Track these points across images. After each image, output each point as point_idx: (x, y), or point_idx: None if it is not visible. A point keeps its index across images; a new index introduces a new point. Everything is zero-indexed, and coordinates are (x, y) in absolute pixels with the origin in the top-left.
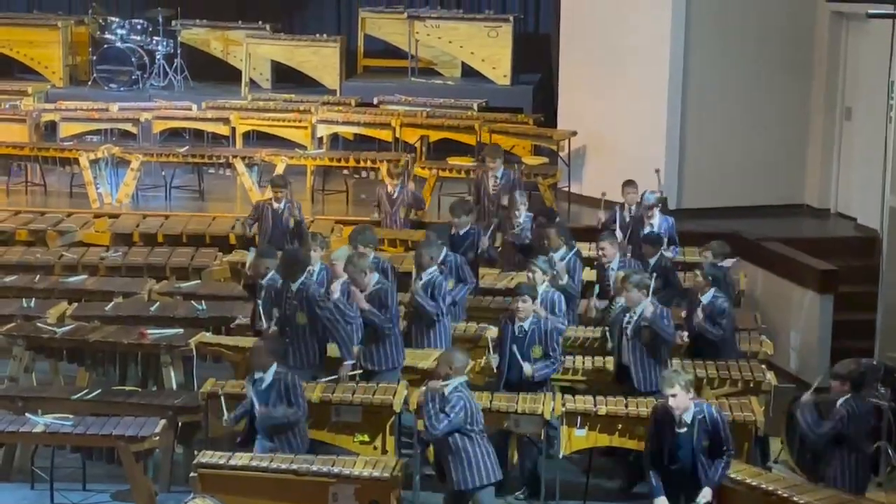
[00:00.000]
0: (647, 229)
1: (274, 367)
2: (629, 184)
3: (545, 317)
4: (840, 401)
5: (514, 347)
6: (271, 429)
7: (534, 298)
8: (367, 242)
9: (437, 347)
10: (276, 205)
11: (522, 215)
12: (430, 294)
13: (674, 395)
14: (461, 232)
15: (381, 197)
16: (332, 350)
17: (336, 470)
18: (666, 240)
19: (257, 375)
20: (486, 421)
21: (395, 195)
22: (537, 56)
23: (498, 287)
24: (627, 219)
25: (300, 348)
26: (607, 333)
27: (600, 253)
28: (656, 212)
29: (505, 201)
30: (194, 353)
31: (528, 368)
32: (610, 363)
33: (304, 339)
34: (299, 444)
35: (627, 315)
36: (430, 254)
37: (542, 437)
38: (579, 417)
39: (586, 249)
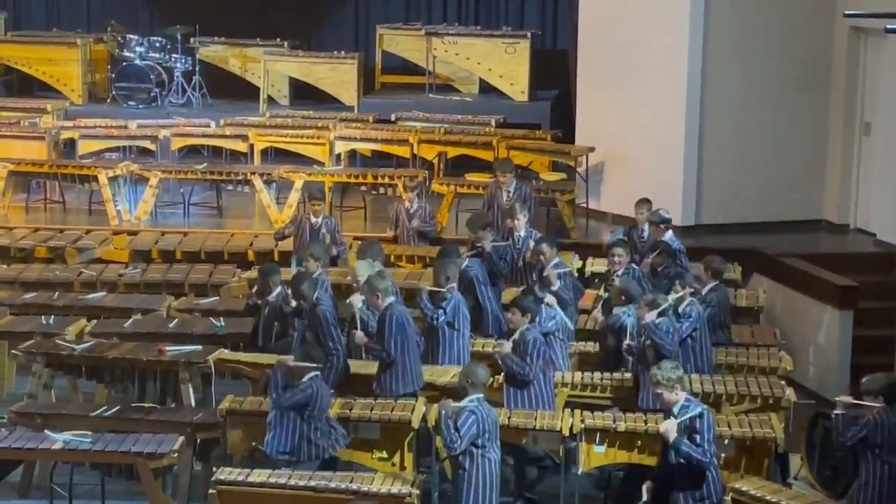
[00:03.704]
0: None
1: (308, 375)
2: (643, 202)
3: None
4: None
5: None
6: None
7: (524, 312)
8: (376, 256)
9: (453, 363)
10: (313, 219)
11: (523, 230)
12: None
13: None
14: (487, 246)
15: (398, 213)
16: (357, 367)
17: (354, 486)
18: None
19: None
20: (504, 436)
21: (413, 210)
22: (555, 72)
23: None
24: (638, 238)
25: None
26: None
27: (616, 259)
28: (664, 229)
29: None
30: (213, 369)
31: (506, 346)
32: (627, 378)
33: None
34: (316, 454)
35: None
36: (447, 273)
37: (561, 454)
38: (598, 434)
39: (603, 265)
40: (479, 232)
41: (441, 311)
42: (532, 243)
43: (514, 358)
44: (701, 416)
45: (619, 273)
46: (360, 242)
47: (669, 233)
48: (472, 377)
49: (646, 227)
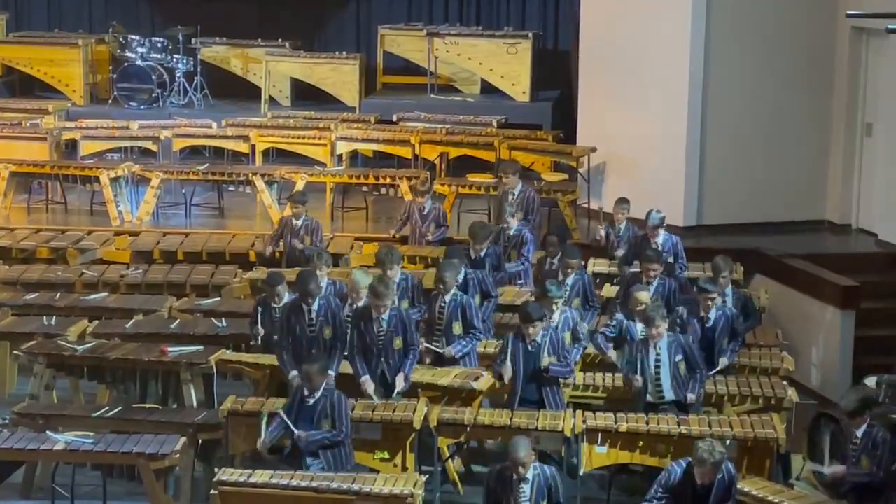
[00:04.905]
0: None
1: (323, 385)
2: (621, 202)
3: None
4: (859, 433)
5: (524, 365)
6: (314, 446)
7: (541, 319)
8: (396, 262)
9: (466, 366)
10: (294, 221)
11: (514, 227)
12: (463, 315)
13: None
14: (481, 254)
15: (411, 212)
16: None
17: (356, 487)
18: (672, 257)
19: (306, 393)
20: (507, 436)
21: (426, 211)
22: (557, 72)
23: (516, 303)
24: (614, 237)
25: None
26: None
27: (652, 273)
28: (661, 231)
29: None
30: (214, 370)
31: (545, 360)
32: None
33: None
34: (344, 461)
35: (653, 353)
36: (455, 276)
37: (563, 454)
38: (600, 434)
39: (605, 266)
40: (482, 243)
41: (466, 343)
42: (524, 237)
43: (550, 370)
44: None
45: (654, 286)
46: (361, 243)
47: (663, 234)
48: (529, 449)
49: (622, 225)
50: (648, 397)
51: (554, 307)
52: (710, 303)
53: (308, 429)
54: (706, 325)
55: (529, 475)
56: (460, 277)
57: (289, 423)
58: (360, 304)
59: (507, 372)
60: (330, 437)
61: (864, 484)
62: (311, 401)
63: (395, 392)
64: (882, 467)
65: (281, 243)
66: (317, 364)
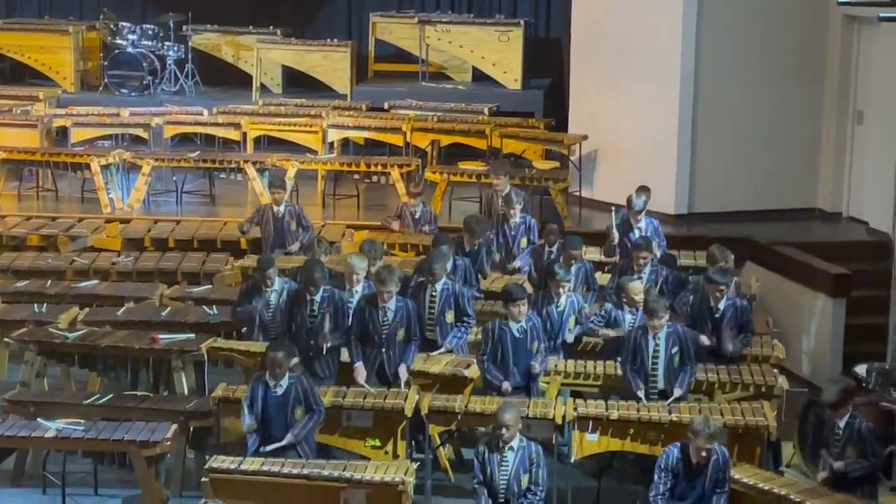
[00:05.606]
0: (636, 233)
1: (288, 372)
2: (643, 189)
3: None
4: (842, 423)
5: (513, 352)
6: (306, 435)
7: (524, 298)
8: (378, 256)
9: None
10: (276, 208)
11: (517, 216)
12: (457, 304)
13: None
14: (475, 247)
15: (403, 214)
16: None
17: (347, 474)
18: (655, 242)
19: (271, 382)
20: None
21: (418, 215)
22: (548, 60)
23: (490, 290)
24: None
25: (324, 356)
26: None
27: (642, 261)
28: (643, 216)
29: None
30: (206, 357)
31: (536, 366)
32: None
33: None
34: (310, 450)
35: (652, 343)
36: (444, 267)
37: (554, 442)
38: (591, 422)
39: (596, 254)
40: (480, 238)
41: (461, 334)
42: (530, 224)
43: (539, 372)
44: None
45: (646, 273)
46: (352, 231)
47: (643, 220)
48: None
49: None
50: (640, 392)
51: (561, 290)
52: (718, 294)
53: (281, 420)
54: (715, 315)
55: (515, 445)
56: (449, 265)
57: (269, 405)
58: (357, 288)
59: (508, 389)
60: (315, 422)
61: (864, 472)
62: (280, 390)
63: (402, 383)
64: (876, 454)
65: (256, 229)
66: (282, 350)
